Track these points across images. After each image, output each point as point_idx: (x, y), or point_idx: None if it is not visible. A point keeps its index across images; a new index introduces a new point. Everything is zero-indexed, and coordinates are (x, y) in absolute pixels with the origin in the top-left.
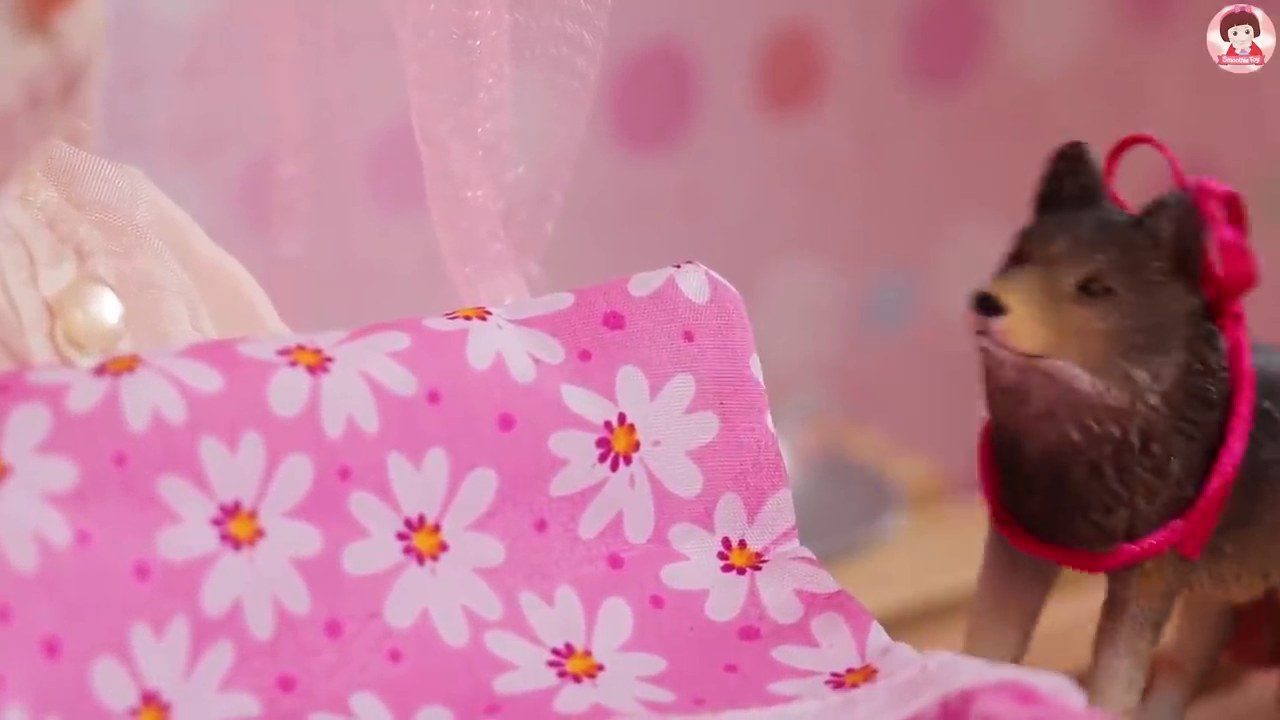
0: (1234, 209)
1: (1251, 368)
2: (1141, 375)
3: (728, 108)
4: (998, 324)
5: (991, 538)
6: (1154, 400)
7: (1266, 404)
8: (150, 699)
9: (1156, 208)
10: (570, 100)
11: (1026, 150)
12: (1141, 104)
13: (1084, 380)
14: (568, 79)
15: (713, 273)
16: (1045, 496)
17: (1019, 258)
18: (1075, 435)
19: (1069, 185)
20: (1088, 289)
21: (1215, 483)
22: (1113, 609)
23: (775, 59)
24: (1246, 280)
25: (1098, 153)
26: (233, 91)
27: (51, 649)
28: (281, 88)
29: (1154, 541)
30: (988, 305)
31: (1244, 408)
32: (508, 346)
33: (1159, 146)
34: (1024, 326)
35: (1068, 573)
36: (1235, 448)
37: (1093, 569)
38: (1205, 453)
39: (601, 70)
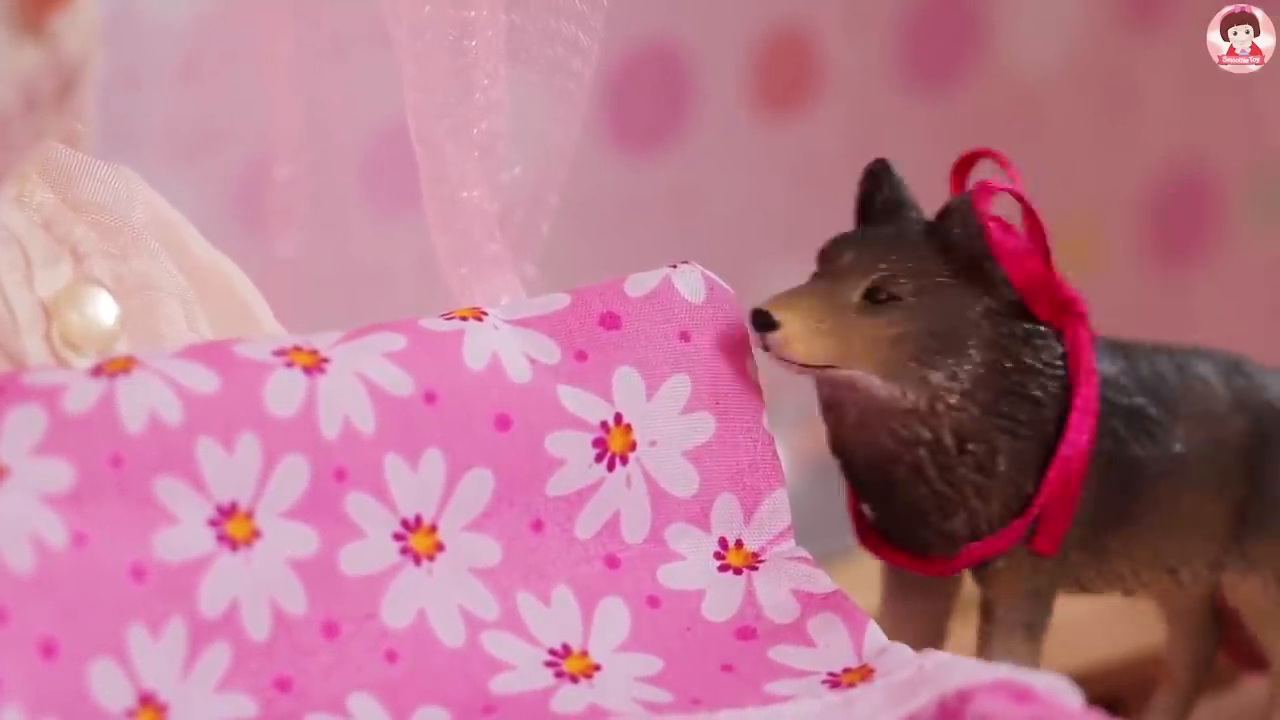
0: (1024, 208)
1: (1092, 365)
2: (936, 377)
3: (722, 109)
4: (772, 338)
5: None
6: (955, 400)
7: (1138, 401)
8: (147, 700)
9: (943, 213)
10: (566, 101)
11: (1020, 152)
12: (1134, 105)
13: (877, 386)
14: (563, 80)
15: (709, 273)
16: (884, 505)
17: (817, 275)
18: (887, 442)
19: (876, 201)
20: (872, 298)
21: (1053, 477)
22: (983, 614)
23: (769, 60)
24: (1033, 278)
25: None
26: (228, 93)
27: (48, 650)
28: (277, 89)
29: (997, 540)
30: (761, 321)
31: (1083, 403)
32: (504, 347)
33: (998, 159)
34: (800, 339)
35: None
36: (1074, 441)
37: (945, 572)
38: (1044, 450)
39: (595, 71)
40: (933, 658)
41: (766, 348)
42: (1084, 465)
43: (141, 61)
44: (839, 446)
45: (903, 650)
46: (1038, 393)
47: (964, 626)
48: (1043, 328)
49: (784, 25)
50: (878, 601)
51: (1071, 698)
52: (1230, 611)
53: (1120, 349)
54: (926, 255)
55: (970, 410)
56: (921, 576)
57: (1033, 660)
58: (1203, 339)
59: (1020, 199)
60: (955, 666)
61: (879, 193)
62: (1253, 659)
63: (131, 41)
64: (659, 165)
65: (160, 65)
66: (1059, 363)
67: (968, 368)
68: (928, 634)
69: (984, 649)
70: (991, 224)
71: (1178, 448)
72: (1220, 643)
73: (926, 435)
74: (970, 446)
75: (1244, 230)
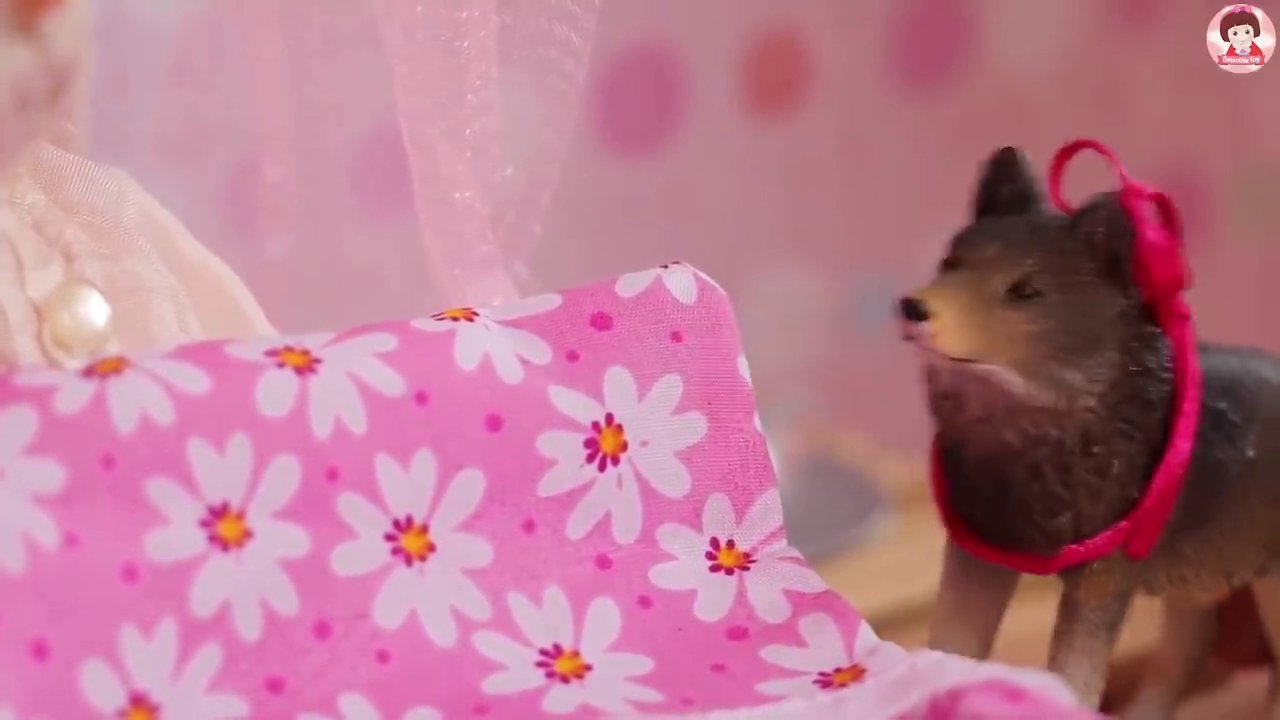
0: (1165, 210)
1: (1197, 368)
2: (1074, 377)
3: (713, 110)
4: (923, 329)
5: (949, 544)
6: (1089, 402)
7: (1220, 404)
8: (139, 700)
9: (1087, 210)
10: (558, 102)
11: None
12: (1124, 107)
13: (1016, 384)
14: (556, 81)
15: (700, 273)
16: (990, 500)
17: (952, 264)
18: (1012, 439)
19: (1004, 190)
20: (1018, 293)
21: (1160, 483)
22: (1066, 611)
23: (760, 62)
24: (1176, 281)
25: (1033, 159)
26: (219, 93)
27: (40, 651)
28: (268, 90)
29: (1099, 542)
30: (913, 310)
31: (1189, 407)
32: (495, 347)
33: (1103, 150)
34: (951, 331)
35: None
36: (1180, 447)
37: (1041, 571)
38: (1149, 453)
39: (588, 73)
40: (924, 657)
41: (909, 337)
42: (1184, 471)
43: (132, 63)
44: (953, 438)
45: (894, 650)
46: (1153, 396)
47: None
48: (1158, 330)
49: (775, 27)
50: (870, 601)
51: (1062, 696)
52: (1227, 612)
53: (1199, 348)
54: (1069, 252)
55: (1100, 412)
56: (985, 568)
57: (1107, 659)
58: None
59: (1166, 203)
60: (946, 666)
61: (1008, 182)
62: (1244, 659)
63: (122, 43)
64: (651, 166)
65: (151, 66)
66: (1168, 365)
67: (1104, 370)
68: (984, 625)
69: (1063, 646)
70: (1149, 226)
71: (1251, 453)
72: (1215, 643)
73: (1054, 434)
74: (1094, 449)
75: (1232, 230)
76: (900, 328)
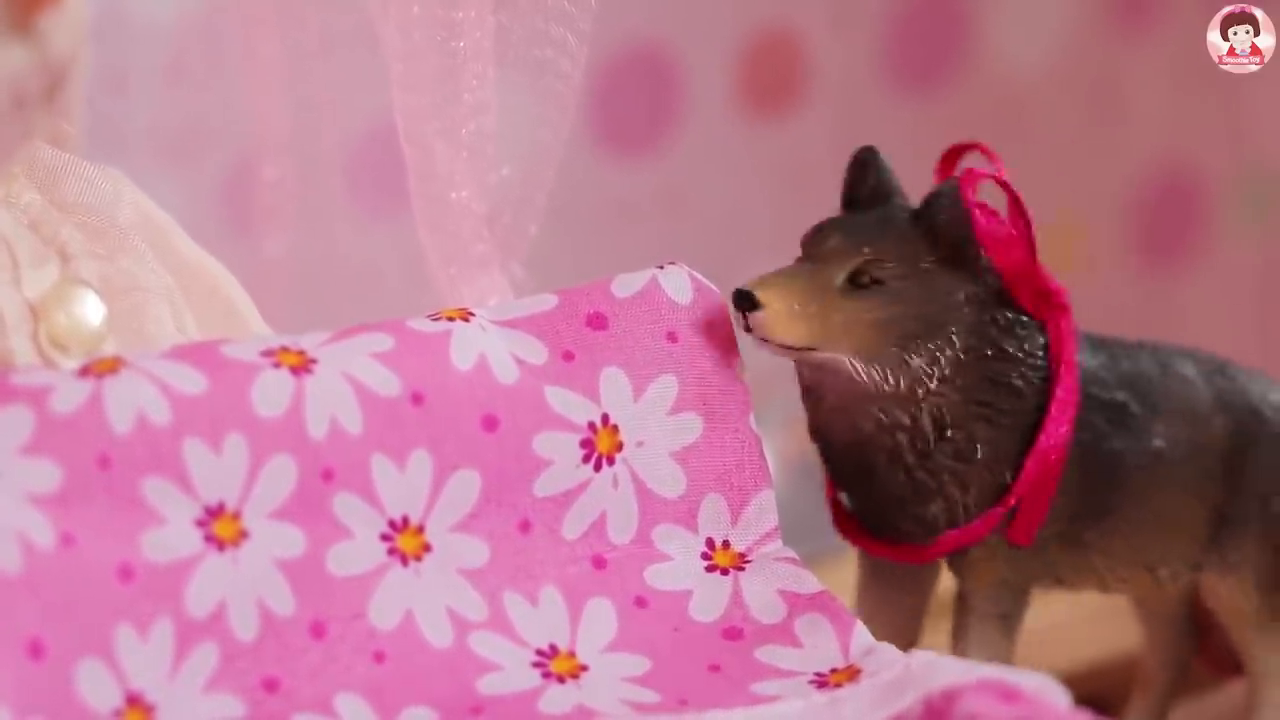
0: (1010, 197)
1: (1074, 356)
2: (917, 361)
3: (710, 110)
4: (754, 318)
5: (859, 550)
6: (935, 385)
7: (1119, 395)
8: (135, 700)
9: (930, 199)
10: (554, 102)
11: (1006, 152)
12: (1121, 107)
13: (859, 369)
14: (552, 81)
15: (695, 273)
16: (861, 491)
17: (802, 259)
18: (867, 425)
19: (862, 189)
20: (856, 282)
21: (1031, 467)
22: (959, 605)
23: (756, 62)
24: (1017, 267)
25: (887, 156)
26: (215, 93)
27: (35, 650)
28: (264, 89)
29: (974, 529)
30: (742, 300)
31: (1062, 394)
32: (491, 347)
33: (986, 151)
34: (783, 320)
35: None
36: (1053, 432)
37: (921, 560)
38: (1022, 440)
39: (583, 73)
40: (919, 657)
41: (748, 328)
42: (1062, 457)
43: (128, 62)
44: (817, 431)
45: (889, 650)
46: (1018, 382)
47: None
48: (1025, 317)
49: (771, 26)
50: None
51: (1058, 697)
52: (1207, 617)
53: (1102, 344)
54: (911, 240)
55: (950, 396)
56: (899, 567)
57: (1008, 652)
58: (1188, 340)
59: (1006, 187)
60: (942, 666)
61: (866, 180)
62: (1229, 666)
63: (118, 42)
64: (647, 166)
65: (147, 66)
66: (1040, 353)
67: (949, 353)
68: (903, 626)
69: (959, 640)
70: (977, 210)
71: (1157, 444)
72: (1196, 648)
73: (905, 420)
74: (949, 433)
75: (1230, 231)
76: (736, 318)
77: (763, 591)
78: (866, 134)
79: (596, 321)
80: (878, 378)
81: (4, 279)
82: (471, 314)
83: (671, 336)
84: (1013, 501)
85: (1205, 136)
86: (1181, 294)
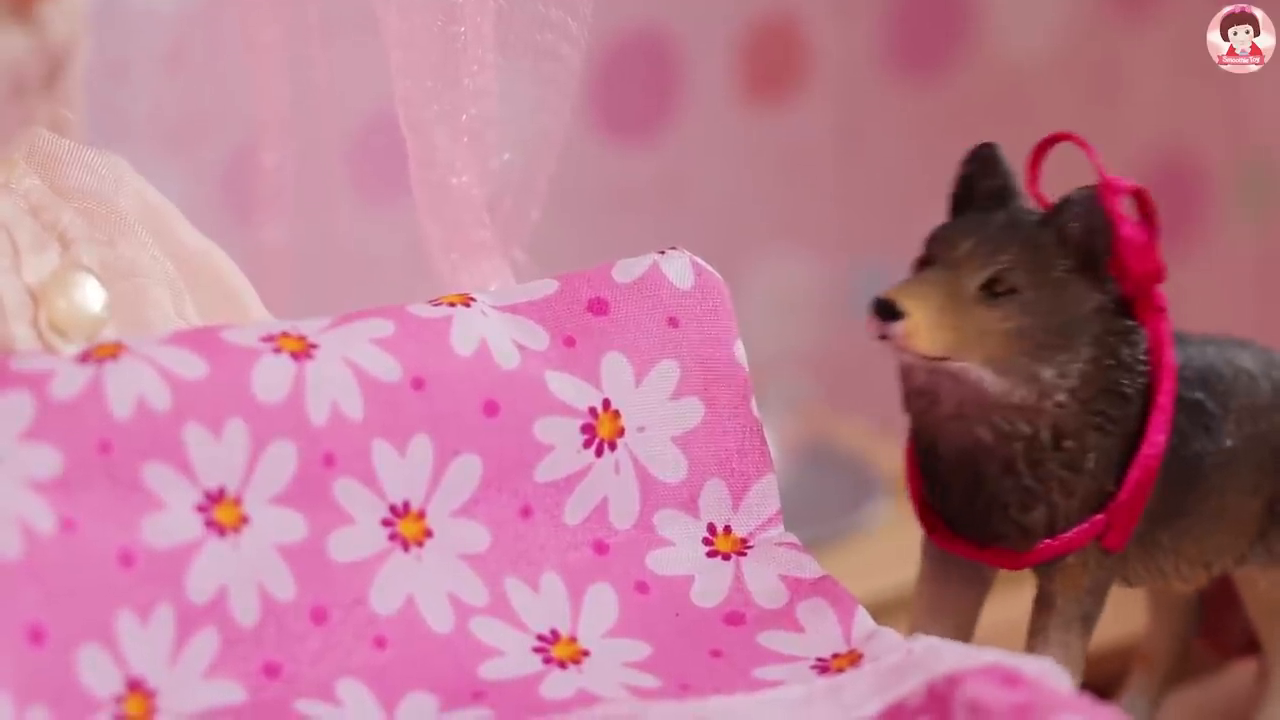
0: (1143, 204)
1: (1173, 360)
2: (1048, 373)
3: (710, 97)
4: (896, 328)
5: (925, 541)
6: (1062, 397)
7: (1197, 395)
8: (136, 686)
9: (1063, 206)
10: (555, 87)
11: (1007, 140)
12: (1121, 95)
13: (989, 380)
14: (552, 66)
15: (696, 258)
16: (964, 496)
17: (926, 261)
18: (985, 435)
19: (981, 187)
20: (991, 290)
21: (1135, 476)
22: (1041, 605)
23: (757, 49)
24: (1154, 275)
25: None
26: (216, 80)
27: (36, 636)
28: (265, 75)
29: (1073, 536)
30: (887, 310)
31: (1164, 400)
32: (492, 333)
33: (1081, 144)
34: (923, 330)
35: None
36: (1155, 440)
37: (1015, 566)
38: (1124, 446)
39: (584, 59)
40: (921, 642)
41: (883, 336)
42: (1159, 463)
43: (129, 49)
44: (927, 435)
45: (891, 635)
46: (1129, 390)
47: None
48: (1135, 323)
49: (772, 14)
50: (868, 586)
51: (1060, 682)
52: (1211, 598)
53: (1177, 340)
54: (1042, 247)
55: (1072, 407)
56: (962, 564)
57: (1083, 652)
58: (1187, 326)
59: (1144, 198)
60: (944, 651)
61: (984, 179)
62: (1234, 647)
63: (119, 29)
64: (647, 153)
65: (148, 53)
66: (1144, 358)
67: (1077, 365)
68: (962, 621)
69: (1039, 640)
70: (1126, 221)
71: (1229, 443)
72: (1199, 628)
73: (1026, 430)
74: (1066, 443)
75: (1228, 218)
76: (874, 327)
77: (764, 577)
78: (867, 121)
79: (598, 307)
80: (1007, 388)
81: (4, 265)
82: (472, 299)
83: (673, 321)
84: (1115, 510)
85: (1205, 124)
86: (1181, 279)
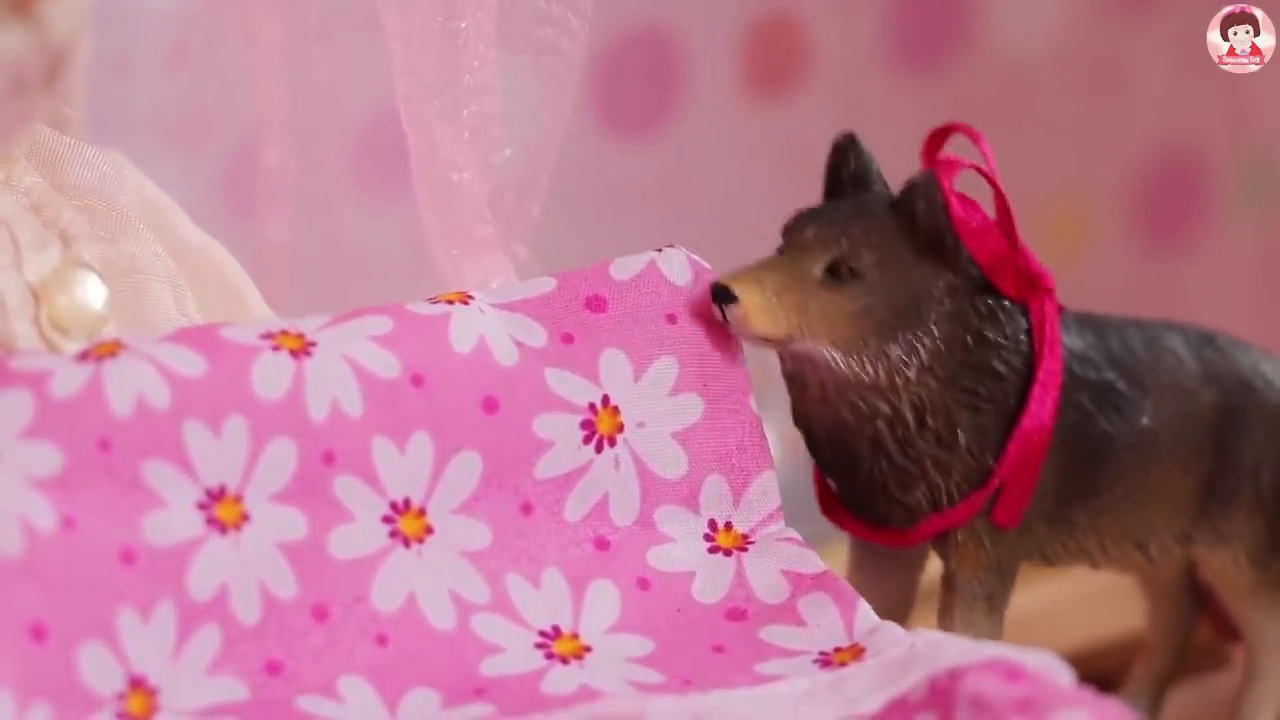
0: (993, 187)
1: (1057, 338)
2: (895, 351)
3: (712, 93)
4: (731, 311)
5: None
6: (913, 374)
7: (1107, 375)
8: (138, 683)
9: (906, 189)
10: (556, 83)
11: (1008, 135)
12: (1122, 88)
13: (837, 360)
14: (554, 62)
15: (694, 256)
16: (846, 478)
17: (781, 249)
18: (848, 415)
19: (844, 175)
20: (834, 273)
21: (1014, 452)
22: (945, 585)
23: (759, 44)
24: (996, 255)
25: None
26: (217, 77)
27: (38, 634)
28: (266, 72)
29: (956, 513)
30: (718, 294)
31: (1046, 376)
32: (490, 330)
33: (970, 133)
34: (757, 312)
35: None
36: (1035, 415)
37: (904, 544)
38: (1008, 424)
39: (585, 55)
40: (924, 636)
41: (726, 320)
42: (1045, 439)
43: (130, 46)
44: (801, 418)
45: (894, 629)
46: (1000, 367)
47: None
48: (1007, 303)
49: (773, 10)
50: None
51: (1062, 675)
52: (1206, 587)
53: (1091, 323)
54: (890, 230)
55: (930, 385)
56: (887, 548)
57: (994, 633)
58: (1188, 321)
59: (985, 174)
60: (947, 645)
61: (846, 166)
62: (1234, 628)
63: (120, 26)
64: (650, 148)
65: (149, 50)
66: (1023, 337)
67: (927, 342)
68: (893, 607)
69: (944, 620)
70: (954, 201)
71: (1145, 422)
72: (1198, 617)
73: (886, 409)
74: (930, 421)
75: (1230, 213)
76: (715, 312)
77: (766, 572)
78: (868, 116)
79: (596, 304)
80: (856, 367)
81: (5, 262)
82: (470, 297)
83: (671, 318)
84: (995, 485)
85: (1206, 119)
86: (1182, 275)
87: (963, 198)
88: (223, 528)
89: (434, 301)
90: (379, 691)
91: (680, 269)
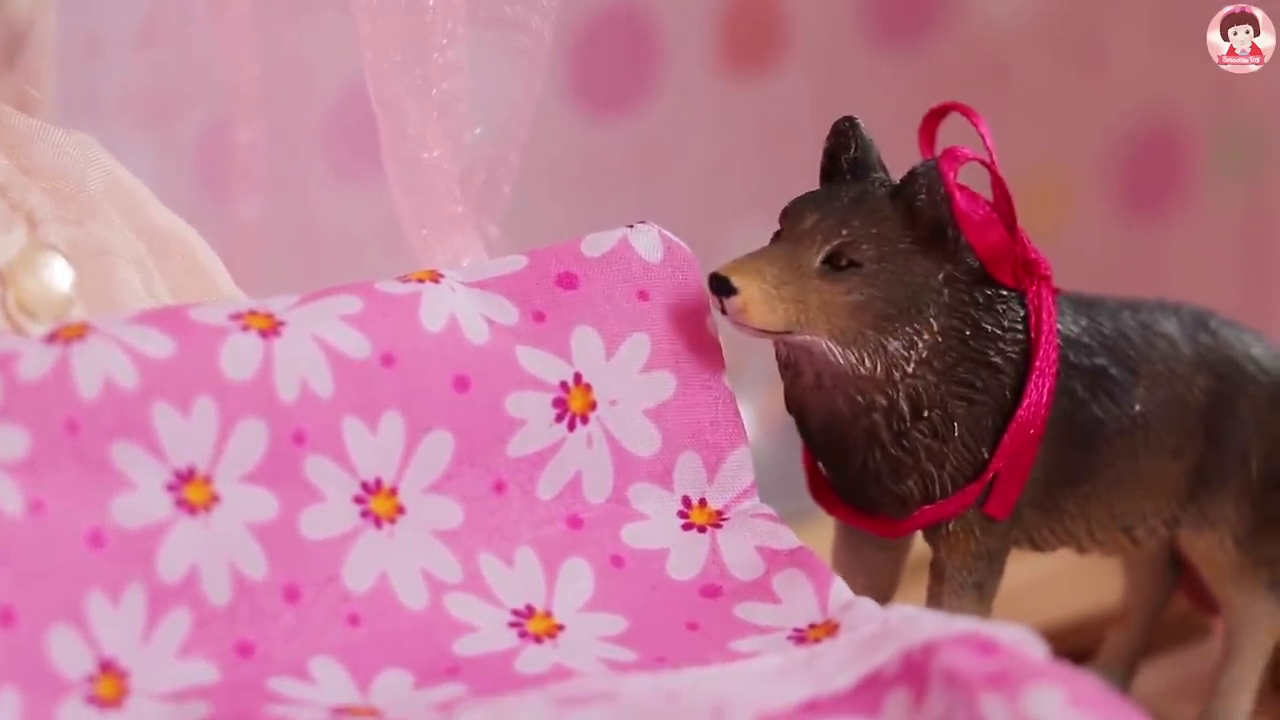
0: (993, 177)
1: (1054, 326)
2: (894, 345)
3: (688, 69)
4: (729, 303)
5: None
6: (911, 368)
7: (1099, 361)
8: (108, 666)
9: (907, 179)
10: (525, 60)
11: (989, 106)
12: (1103, 60)
13: (835, 353)
14: (523, 38)
15: (665, 232)
16: (839, 466)
17: (778, 236)
18: (843, 406)
19: (842, 160)
20: (833, 263)
21: (1009, 443)
22: (934, 573)
23: (735, 19)
24: (996, 247)
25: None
26: (187, 57)
27: (6, 618)
28: (236, 52)
29: (950, 504)
30: (719, 286)
31: (1043, 365)
32: (461, 308)
33: (969, 114)
34: (757, 304)
35: None
36: (1031, 406)
37: (895, 534)
38: (1002, 414)
39: (560, 32)
40: (897, 612)
41: (724, 311)
42: (1040, 430)
43: (99, 26)
44: (795, 406)
45: (868, 605)
46: (996, 359)
47: (918, 586)
48: (1005, 292)
49: None
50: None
51: (1036, 650)
52: (1186, 561)
53: (1085, 307)
54: (889, 220)
55: (928, 378)
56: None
57: (981, 618)
58: (1170, 293)
59: (988, 166)
60: (920, 620)
61: (845, 151)
62: (1211, 602)
63: (89, 6)
64: (624, 125)
65: (118, 30)
66: (1020, 325)
67: (925, 336)
68: (877, 587)
69: (934, 608)
70: (957, 192)
71: (1138, 408)
72: (1175, 586)
73: (882, 401)
74: (926, 413)
75: (1212, 184)
76: (713, 302)
77: (740, 548)
78: (847, 92)
79: (567, 281)
80: (854, 360)
81: None
82: (441, 275)
83: (643, 295)
84: (990, 477)
85: (1187, 89)
86: (1164, 246)
87: (965, 190)
88: (192, 509)
89: (404, 280)
90: (351, 672)
91: (652, 245)
